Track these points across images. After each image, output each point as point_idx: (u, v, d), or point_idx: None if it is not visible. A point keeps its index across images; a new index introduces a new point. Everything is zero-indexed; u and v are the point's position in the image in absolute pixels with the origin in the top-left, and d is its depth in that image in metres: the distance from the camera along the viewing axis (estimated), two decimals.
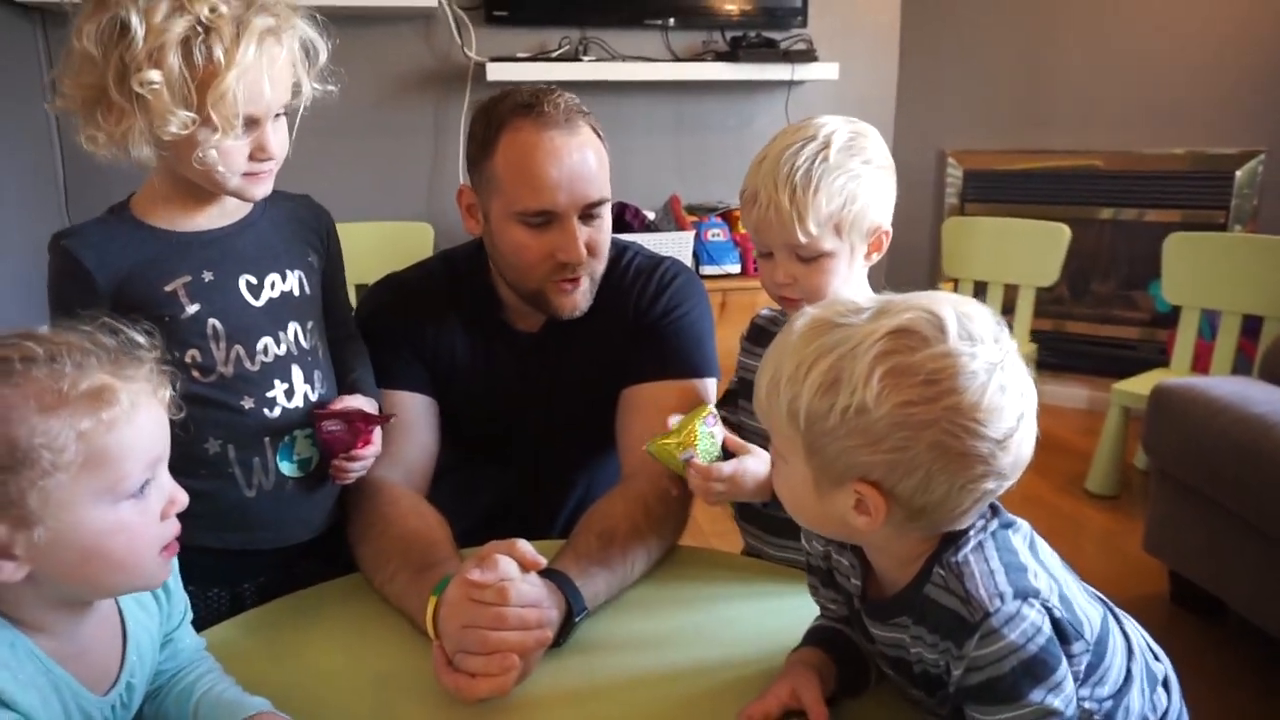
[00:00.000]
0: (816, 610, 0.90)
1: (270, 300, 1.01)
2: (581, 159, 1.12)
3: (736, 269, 2.95)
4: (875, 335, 0.67)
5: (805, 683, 0.79)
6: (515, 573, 0.88)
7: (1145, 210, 3.37)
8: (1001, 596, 0.68)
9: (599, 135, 1.17)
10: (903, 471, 0.67)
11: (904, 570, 0.75)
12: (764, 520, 1.12)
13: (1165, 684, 0.83)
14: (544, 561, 0.91)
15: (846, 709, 0.83)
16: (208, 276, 0.97)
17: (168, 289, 0.96)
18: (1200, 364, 2.68)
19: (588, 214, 1.14)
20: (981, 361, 0.66)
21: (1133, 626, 0.83)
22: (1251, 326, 2.55)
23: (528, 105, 1.12)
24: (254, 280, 1.01)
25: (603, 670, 0.90)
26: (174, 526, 0.69)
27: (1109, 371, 3.16)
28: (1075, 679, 0.70)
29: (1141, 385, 2.51)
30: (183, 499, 0.70)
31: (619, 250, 1.27)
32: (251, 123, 0.92)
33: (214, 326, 0.97)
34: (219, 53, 0.86)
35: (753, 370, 1.12)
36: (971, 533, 0.72)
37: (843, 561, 0.82)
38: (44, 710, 0.64)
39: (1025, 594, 0.69)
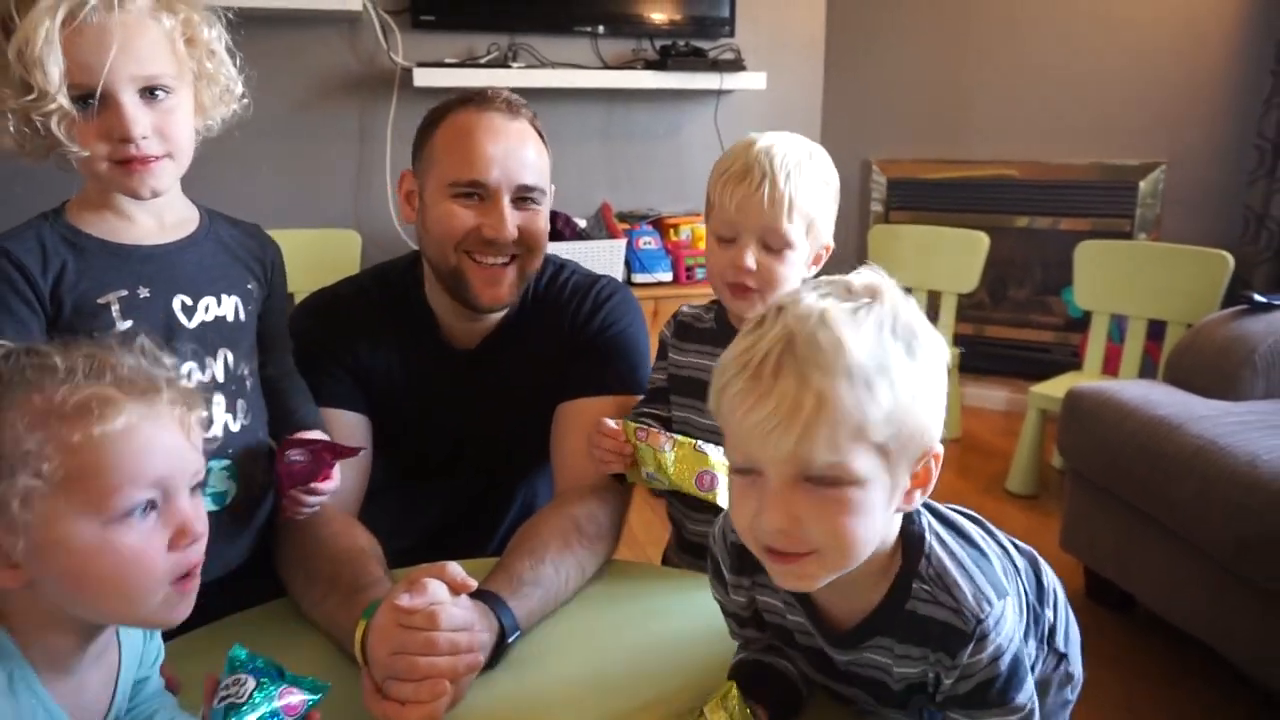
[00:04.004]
0: None
1: (203, 323, 0.97)
2: (520, 143, 1.15)
3: (668, 277, 2.97)
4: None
5: None
6: (445, 596, 0.86)
7: (1058, 219, 3.51)
8: (989, 600, 0.70)
9: (541, 135, 1.20)
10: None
11: (862, 593, 0.73)
12: (685, 499, 1.11)
13: (1054, 595, 0.88)
14: (474, 584, 0.89)
15: None
16: (143, 293, 0.93)
17: (100, 300, 0.91)
18: (1110, 366, 2.79)
19: (521, 200, 1.15)
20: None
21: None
22: (1156, 330, 2.68)
23: (471, 98, 1.17)
24: (189, 301, 0.96)
25: (536, 689, 0.90)
26: (189, 559, 0.66)
27: (1027, 374, 3.28)
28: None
29: (1056, 388, 2.61)
30: (199, 530, 0.67)
31: (556, 267, 1.28)
32: (90, 95, 0.86)
33: (143, 345, 0.93)
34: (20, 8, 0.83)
35: (684, 366, 1.14)
36: (930, 538, 0.72)
37: (774, 602, 0.80)
38: None
39: (1003, 592, 0.71)
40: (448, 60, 2.81)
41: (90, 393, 0.61)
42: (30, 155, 0.89)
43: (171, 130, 0.91)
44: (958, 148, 3.56)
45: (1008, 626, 0.70)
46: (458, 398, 1.24)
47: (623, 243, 2.87)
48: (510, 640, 0.92)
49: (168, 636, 0.93)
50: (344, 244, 2.69)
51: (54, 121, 0.85)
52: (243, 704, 0.69)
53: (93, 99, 0.86)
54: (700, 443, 1.04)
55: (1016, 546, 0.84)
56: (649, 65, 3.00)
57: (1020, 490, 2.77)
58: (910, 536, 0.73)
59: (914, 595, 0.71)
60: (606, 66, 3.01)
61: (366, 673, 0.85)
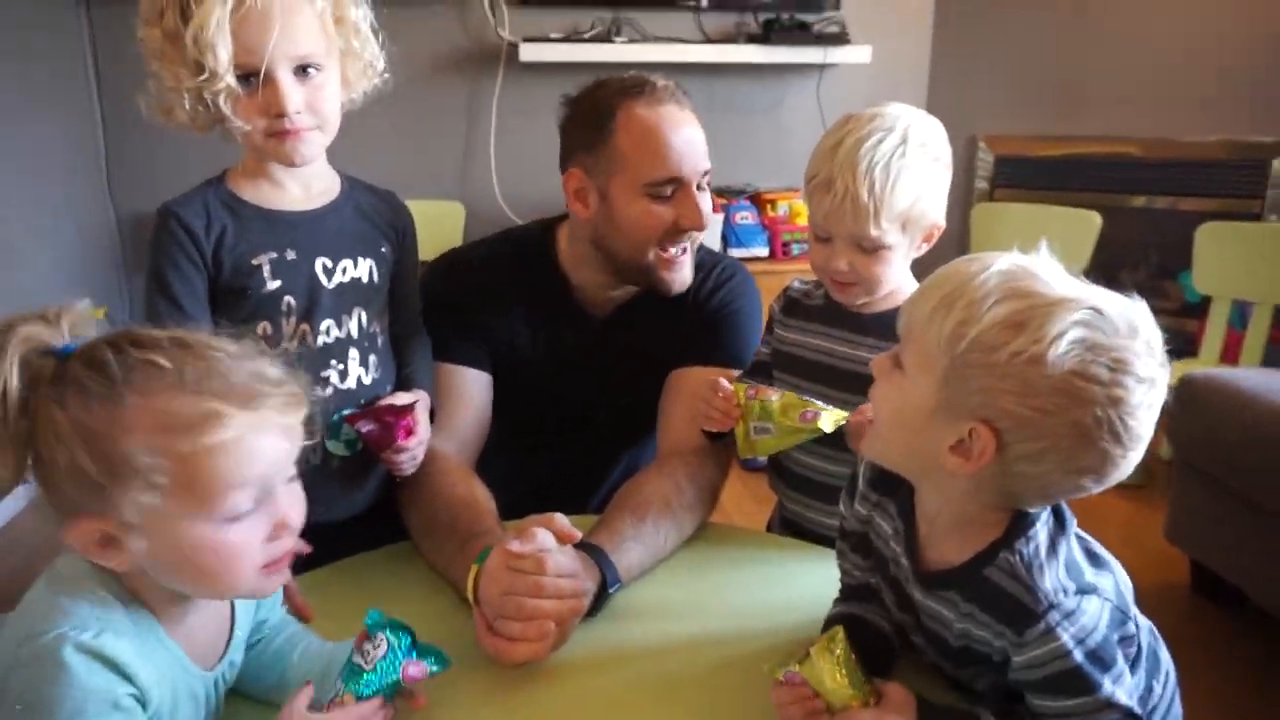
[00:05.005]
0: (838, 583, 0.92)
1: (340, 284, 1.05)
2: (694, 130, 1.19)
3: (764, 252, 2.97)
4: (1078, 304, 0.67)
5: None
6: (552, 544, 0.91)
7: (1179, 198, 3.34)
8: (1065, 590, 0.71)
9: None
10: (1031, 432, 0.68)
11: (958, 545, 0.76)
12: (814, 487, 1.14)
13: (1166, 676, 0.84)
14: (579, 535, 0.95)
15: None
16: (290, 255, 1.02)
17: (254, 262, 1.00)
18: (1229, 355, 2.66)
19: (701, 184, 1.19)
20: (1149, 374, 0.67)
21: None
22: None
23: (635, 86, 1.18)
24: (329, 263, 1.04)
25: (634, 638, 0.94)
26: (283, 546, 0.70)
27: None
28: (1127, 661, 0.72)
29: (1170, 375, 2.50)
30: (295, 521, 0.70)
31: None
32: (253, 74, 0.94)
33: (289, 303, 1.02)
34: None
35: (788, 342, 1.16)
36: (1040, 525, 0.74)
37: (885, 528, 0.84)
38: (157, 686, 0.67)
39: (1085, 589, 0.71)
40: (553, 35, 2.87)
41: (202, 408, 0.63)
42: (200, 128, 0.98)
43: (321, 105, 0.98)
44: (1072, 123, 3.41)
45: (1086, 622, 0.70)
46: (587, 363, 1.29)
47: (719, 217, 2.87)
48: (611, 591, 0.96)
49: (296, 571, 1.02)
50: (449, 216, 2.79)
51: (221, 99, 0.94)
52: (368, 670, 0.75)
53: (255, 77, 0.94)
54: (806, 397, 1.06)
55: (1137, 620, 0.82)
56: (751, 39, 2.99)
57: (1125, 480, 2.66)
58: (1022, 518, 0.74)
59: (996, 564, 0.73)
60: (709, 41, 3.01)
61: (479, 612, 0.91)
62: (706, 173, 1.20)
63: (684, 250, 1.21)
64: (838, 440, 1.03)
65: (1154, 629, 0.84)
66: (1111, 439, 0.67)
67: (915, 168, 1.00)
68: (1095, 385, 0.66)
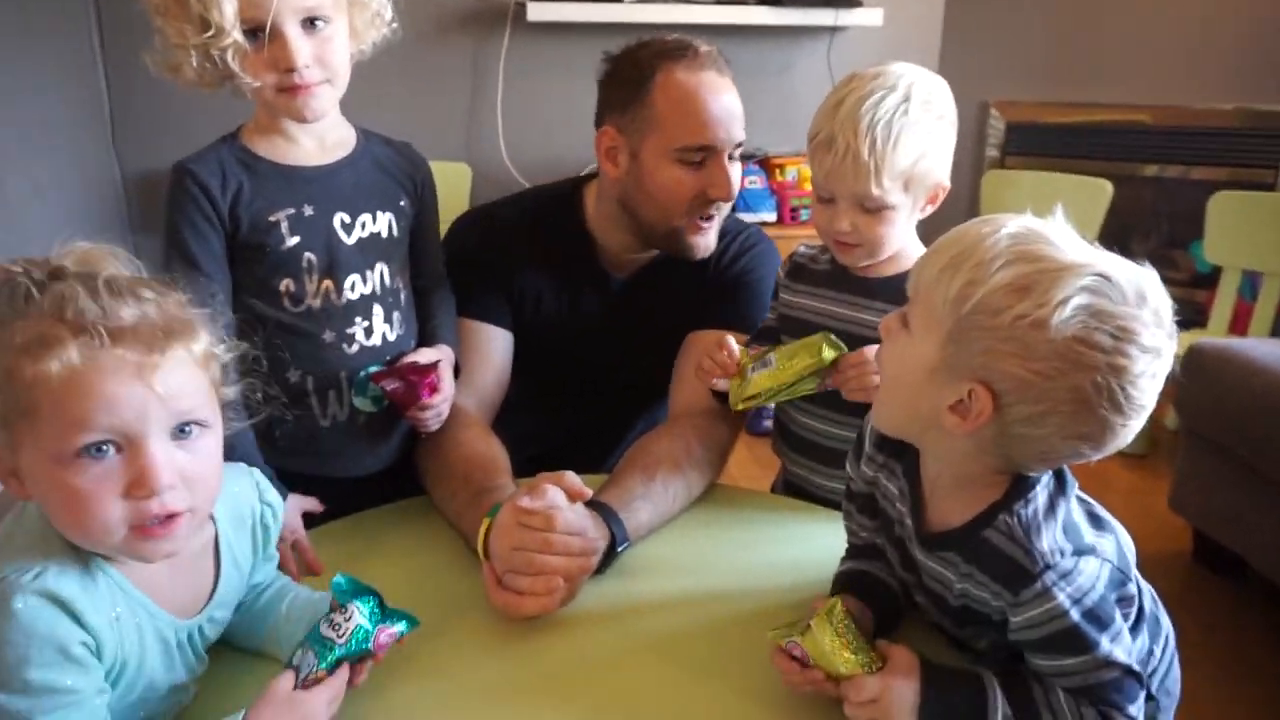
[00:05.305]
0: (843, 544, 0.93)
1: (360, 239, 1.05)
2: (732, 99, 1.18)
3: (773, 217, 2.94)
4: (1085, 269, 0.67)
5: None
6: (563, 501, 0.92)
7: (1190, 167, 3.30)
8: (1061, 551, 0.71)
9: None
10: (1030, 395, 0.68)
11: (959, 507, 0.77)
12: (819, 450, 1.15)
13: (1166, 640, 0.85)
14: (589, 493, 0.95)
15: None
16: (308, 211, 1.01)
17: (271, 218, 1.00)
18: (1239, 326, 2.65)
19: (732, 154, 1.18)
20: (1154, 344, 0.67)
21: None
22: None
23: (678, 49, 1.17)
24: (347, 219, 1.04)
25: (641, 594, 0.95)
26: (148, 509, 0.63)
27: None
28: (1127, 622, 0.72)
29: (1178, 346, 2.50)
30: (158, 482, 0.63)
31: None
32: (259, 29, 0.92)
33: (309, 260, 1.01)
34: None
35: (794, 307, 1.15)
36: (1039, 488, 0.74)
37: (891, 489, 0.85)
38: (113, 629, 0.66)
39: (1082, 550, 0.72)
40: None
41: (42, 331, 0.61)
42: (208, 85, 0.97)
43: (330, 57, 0.97)
44: (1084, 90, 3.37)
45: (1082, 583, 0.70)
46: (606, 324, 1.29)
47: None
48: (620, 549, 0.97)
49: (310, 525, 1.03)
50: (455, 177, 2.77)
51: (229, 55, 0.93)
52: (340, 643, 0.75)
53: (261, 32, 0.93)
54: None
55: (1139, 583, 0.82)
56: (762, 1, 2.94)
57: (1130, 449, 2.66)
58: (1022, 481, 0.74)
59: (994, 526, 0.74)
60: (719, 1, 2.96)
61: (488, 566, 0.91)
62: (740, 144, 1.19)
63: (709, 218, 1.21)
64: (841, 403, 1.03)
65: (1155, 594, 0.85)
66: (1111, 407, 0.67)
67: (917, 125, 0.99)
68: (1097, 352, 0.66)
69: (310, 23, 0.95)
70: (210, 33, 0.91)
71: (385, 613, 0.79)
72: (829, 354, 0.99)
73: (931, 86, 1.02)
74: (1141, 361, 0.67)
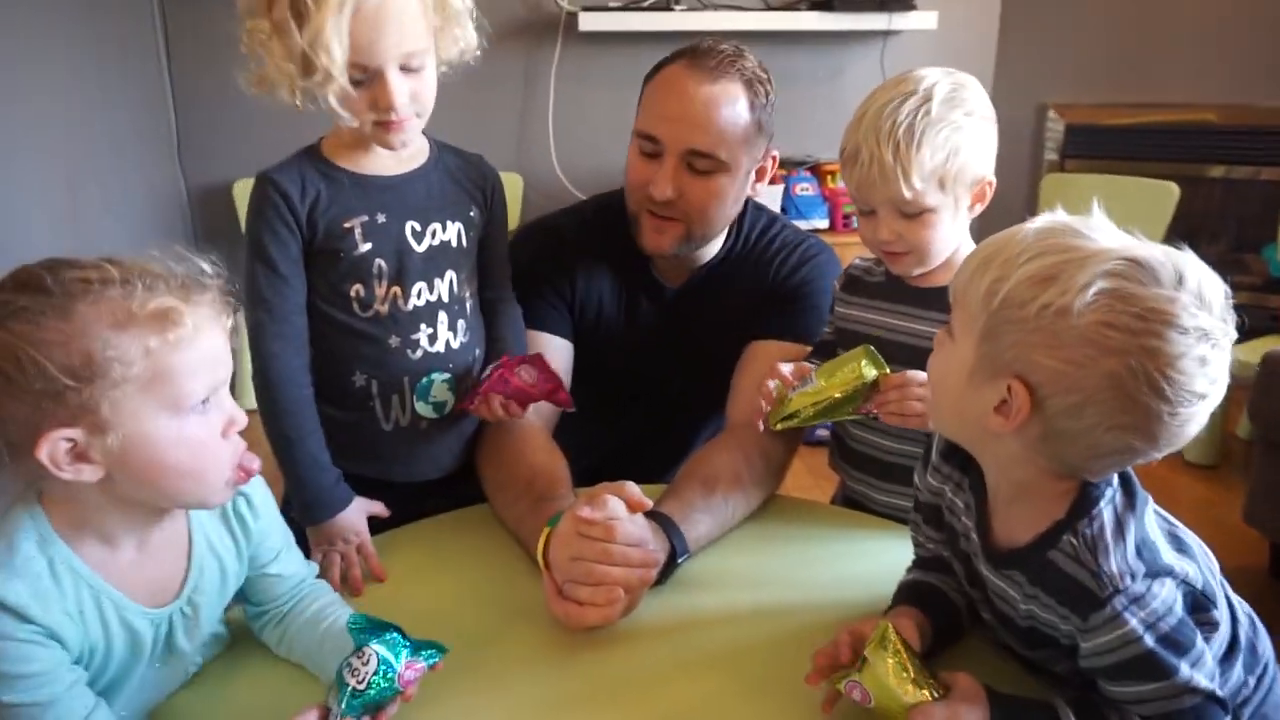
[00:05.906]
0: (905, 559, 0.91)
1: (430, 247, 1.06)
2: (708, 106, 1.14)
3: (825, 224, 2.92)
4: (1112, 255, 0.65)
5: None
6: (623, 512, 0.91)
7: (1260, 168, 3.19)
8: (1132, 574, 0.68)
9: (756, 97, 1.17)
10: (1065, 386, 0.66)
11: (1024, 522, 0.75)
12: (878, 465, 1.13)
13: (1265, 669, 0.80)
14: (649, 503, 0.94)
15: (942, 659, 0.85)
16: (381, 219, 1.03)
17: (346, 225, 1.02)
18: None
19: (693, 164, 1.16)
20: (1197, 325, 0.64)
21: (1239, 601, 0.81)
22: None
23: (691, 49, 1.19)
24: (418, 227, 1.06)
25: (700, 607, 0.94)
26: (239, 445, 0.74)
27: None
28: (1209, 646, 0.69)
29: (1250, 353, 2.40)
30: (241, 420, 0.73)
31: (769, 220, 1.32)
32: (363, 71, 0.95)
33: (380, 266, 1.03)
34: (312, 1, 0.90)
35: (850, 320, 1.14)
36: (1104, 504, 0.71)
37: (957, 502, 0.83)
38: (71, 623, 0.69)
39: (1157, 572, 0.68)
40: (612, 4, 2.84)
41: (162, 302, 0.68)
42: (298, 107, 0.98)
43: (423, 95, 1.00)
44: (1146, 90, 3.28)
45: (1156, 607, 0.67)
46: (660, 333, 1.29)
47: (779, 189, 2.84)
48: (679, 561, 0.97)
49: (374, 530, 1.04)
50: (507, 186, 2.75)
51: (333, 97, 0.95)
52: (362, 690, 0.73)
53: (364, 75, 0.95)
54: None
55: (1233, 602, 0.79)
56: (814, 6, 2.92)
57: (1199, 460, 2.59)
58: (1086, 495, 0.72)
59: (1059, 548, 0.71)
60: (770, 8, 2.95)
61: (548, 576, 0.91)
62: (701, 154, 1.15)
63: (655, 217, 1.19)
64: None
65: (1255, 617, 0.81)
66: (1153, 393, 0.64)
67: (941, 123, 0.98)
68: (1125, 335, 0.64)
69: (408, 64, 0.97)
70: (318, 77, 0.93)
71: (410, 646, 0.77)
72: (869, 371, 0.96)
73: (956, 84, 1.01)
74: (1180, 344, 0.64)
